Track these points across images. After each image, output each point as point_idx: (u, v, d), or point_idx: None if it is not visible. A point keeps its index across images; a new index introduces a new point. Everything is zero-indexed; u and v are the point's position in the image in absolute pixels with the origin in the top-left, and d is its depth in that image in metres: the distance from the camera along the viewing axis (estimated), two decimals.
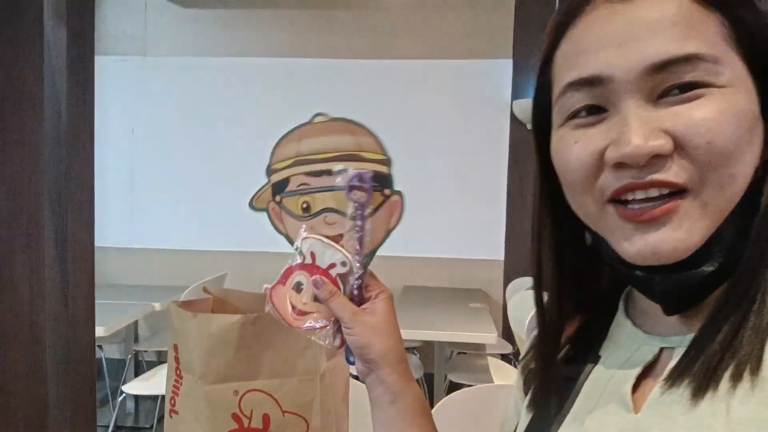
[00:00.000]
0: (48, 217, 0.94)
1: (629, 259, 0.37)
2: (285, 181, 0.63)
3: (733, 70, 0.35)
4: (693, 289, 0.37)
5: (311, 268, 0.60)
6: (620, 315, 0.46)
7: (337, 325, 0.59)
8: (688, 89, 0.35)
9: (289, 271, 0.62)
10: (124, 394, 2.48)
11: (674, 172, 0.35)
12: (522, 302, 2.71)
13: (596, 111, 0.38)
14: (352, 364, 0.62)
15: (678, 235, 0.35)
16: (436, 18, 3.49)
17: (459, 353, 2.92)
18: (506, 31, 3.31)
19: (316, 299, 0.60)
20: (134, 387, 2.32)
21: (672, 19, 0.35)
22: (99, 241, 3.63)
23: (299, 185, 0.62)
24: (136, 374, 2.81)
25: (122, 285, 3.34)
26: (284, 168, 0.63)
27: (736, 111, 0.34)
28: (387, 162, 0.63)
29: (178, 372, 0.86)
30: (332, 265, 0.60)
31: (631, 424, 0.38)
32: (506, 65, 3.39)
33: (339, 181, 0.60)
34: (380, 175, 0.62)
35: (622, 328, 0.45)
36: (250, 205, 0.66)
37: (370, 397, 0.59)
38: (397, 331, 0.58)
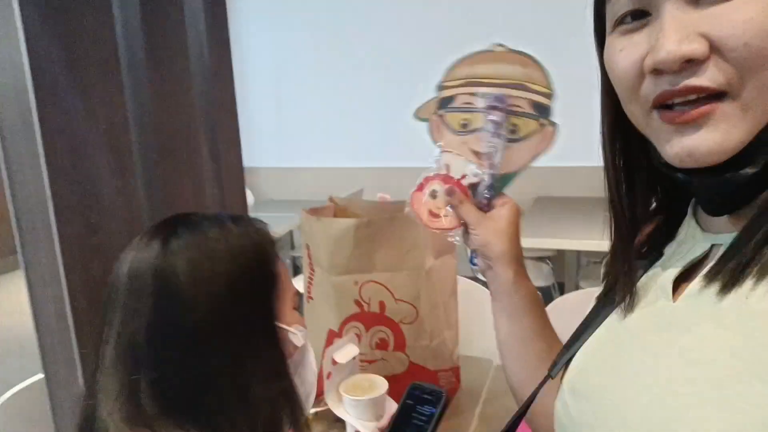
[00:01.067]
0: (203, 142, 1.14)
1: (669, 161, 0.38)
2: (451, 98, 0.71)
3: None
4: (733, 192, 0.37)
5: (445, 178, 0.70)
6: (688, 215, 0.47)
7: (464, 227, 0.68)
8: None
9: (426, 180, 0.71)
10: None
11: (709, 77, 0.34)
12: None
13: (641, 16, 0.37)
14: (475, 265, 0.70)
15: (714, 137, 0.35)
16: None
17: (594, 262, 2.87)
18: None
19: (448, 205, 0.69)
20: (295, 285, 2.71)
21: None
22: (254, 162, 4.04)
23: (463, 103, 0.70)
24: (294, 275, 3.25)
25: (277, 201, 3.79)
26: (454, 86, 0.71)
27: None
28: (549, 95, 0.69)
29: (311, 266, 1.04)
30: (464, 176, 0.69)
31: (666, 311, 0.41)
32: None
33: (480, 102, 0.67)
34: (540, 106, 0.68)
35: (686, 227, 0.46)
36: (415, 114, 0.73)
37: (490, 290, 0.67)
38: (515, 235, 0.66)
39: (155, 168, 1.07)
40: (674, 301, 0.41)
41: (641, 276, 0.47)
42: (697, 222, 0.44)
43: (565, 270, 2.77)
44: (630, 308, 0.45)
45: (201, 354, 0.53)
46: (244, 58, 3.93)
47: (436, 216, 0.71)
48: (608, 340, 0.46)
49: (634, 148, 0.45)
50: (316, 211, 1.02)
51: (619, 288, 0.47)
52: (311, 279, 1.05)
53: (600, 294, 0.53)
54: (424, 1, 3.51)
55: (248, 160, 1.40)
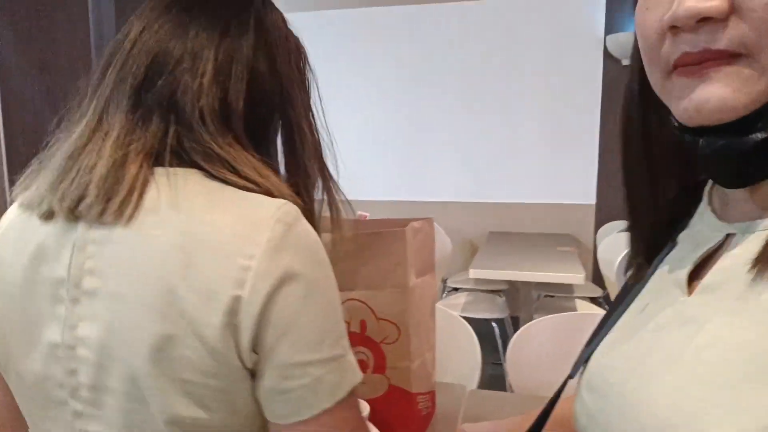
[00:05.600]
0: None
1: (680, 118, 0.37)
2: None
3: None
4: (741, 159, 0.36)
5: None
6: (703, 203, 0.46)
7: None
8: None
9: None
10: None
11: (728, 38, 0.33)
12: (613, 244, 2.65)
13: None
14: None
15: (724, 92, 0.34)
16: None
17: (546, 296, 2.94)
18: None
19: None
20: None
21: None
22: None
23: None
24: None
25: None
26: None
27: None
28: None
29: None
30: None
31: (681, 306, 0.40)
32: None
33: None
34: None
35: (701, 216, 0.45)
36: None
37: None
38: None
39: None
40: (690, 295, 0.40)
41: (657, 265, 0.46)
42: (713, 210, 0.44)
43: (519, 303, 2.82)
44: (645, 302, 0.44)
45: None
46: None
47: None
48: (625, 337, 0.45)
49: (654, 123, 0.45)
50: None
51: (636, 286, 0.47)
52: None
53: (627, 279, 0.52)
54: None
55: None
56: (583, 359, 0.49)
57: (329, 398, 0.49)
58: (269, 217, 0.49)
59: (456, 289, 3.12)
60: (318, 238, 0.53)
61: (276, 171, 0.58)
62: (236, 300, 0.46)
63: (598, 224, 3.28)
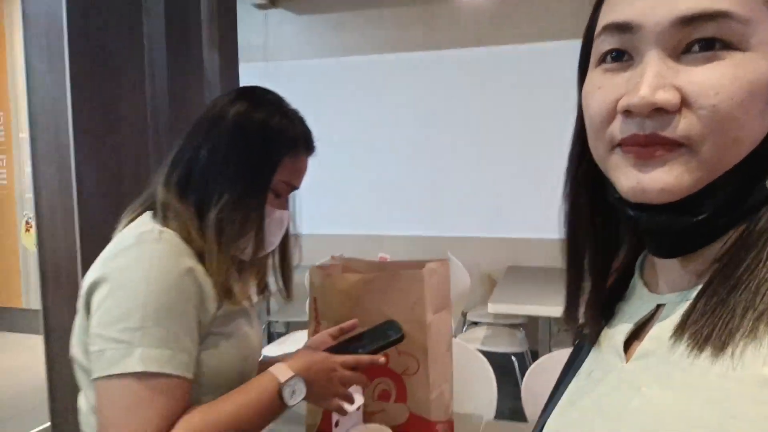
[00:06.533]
0: None
1: (624, 193, 0.39)
2: None
3: (765, 34, 0.35)
4: (679, 234, 0.39)
5: None
6: (636, 275, 0.49)
7: None
8: (710, 47, 0.35)
9: None
10: (263, 356, 2.89)
11: (675, 128, 0.36)
12: None
13: (624, 59, 0.39)
14: None
15: (667, 178, 0.36)
16: (527, 4, 3.50)
17: (564, 330, 2.98)
18: None
19: None
20: (272, 350, 2.71)
21: None
22: None
23: None
24: (269, 341, 3.23)
25: None
26: None
27: (753, 79, 0.35)
28: None
29: (316, 319, 1.10)
30: None
31: (620, 372, 0.43)
32: None
33: None
34: None
35: (634, 287, 0.48)
36: None
37: None
38: None
39: None
40: (627, 362, 0.43)
41: (596, 336, 0.49)
42: (645, 283, 0.46)
43: (537, 336, 2.86)
44: (589, 371, 0.48)
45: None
46: None
47: None
48: (574, 403, 0.48)
49: (597, 191, 0.46)
50: (324, 268, 1.10)
51: (580, 354, 0.50)
52: (316, 332, 1.11)
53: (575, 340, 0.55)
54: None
55: None
56: (540, 426, 0.51)
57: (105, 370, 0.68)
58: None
59: (476, 323, 3.17)
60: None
61: None
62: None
63: None
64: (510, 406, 2.24)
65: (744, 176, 0.37)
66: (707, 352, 0.35)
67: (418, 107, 3.74)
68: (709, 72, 0.35)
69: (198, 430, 0.70)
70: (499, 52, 3.58)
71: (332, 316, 1.05)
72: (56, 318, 0.98)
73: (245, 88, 0.90)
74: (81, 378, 0.79)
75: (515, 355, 2.74)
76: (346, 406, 0.97)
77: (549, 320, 2.81)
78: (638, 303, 0.45)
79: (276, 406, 0.79)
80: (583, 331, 0.51)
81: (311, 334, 1.12)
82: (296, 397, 0.81)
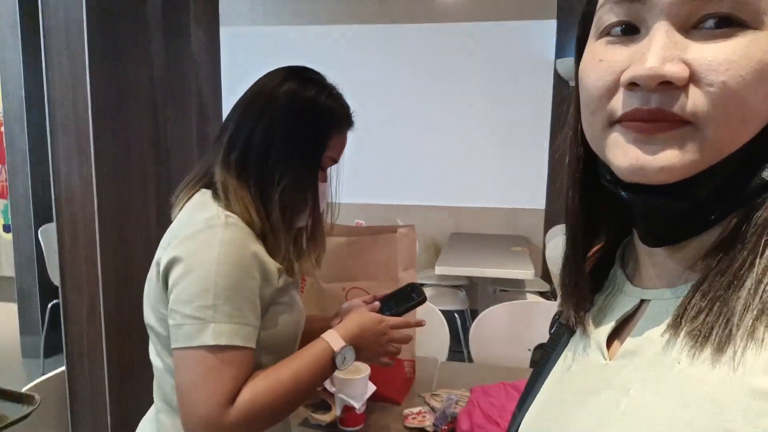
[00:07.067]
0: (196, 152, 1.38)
1: (619, 173, 0.37)
2: None
3: None
4: (674, 219, 0.37)
5: None
6: (616, 265, 0.46)
7: None
8: (722, 24, 0.33)
9: None
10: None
11: (681, 104, 0.33)
12: (559, 245, 3.04)
13: (630, 32, 0.36)
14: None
15: (669, 156, 0.34)
16: None
17: (501, 290, 3.30)
18: None
19: None
20: None
21: None
22: None
23: None
24: None
25: None
26: None
27: (765, 59, 0.33)
28: None
29: (302, 276, 1.28)
30: None
31: (603, 370, 0.40)
32: (550, 25, 3.59)
33: None
34: None
35: (614, 279, 0.46)
36: None
37: None
38: None
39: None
40: (610, 359, 0.41)
41: (574, 327, 0.46)
42: (626, 275, 0.44)
43: (477, 296, 3.16)
44: (568, 365, 0.45)
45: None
46: None
47: None
48: (553, 400, 0.45)
49: (589, 170, 0.44)
50: None
51: (557, 345, 0.48)
52: (302, 286, 1.29)
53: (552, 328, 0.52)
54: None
55: None
56: (517, 425, 0.49)
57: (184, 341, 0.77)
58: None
59: (423, 285, 3.43)
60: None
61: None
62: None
63: (547, 227, 3.68)
64: (455, 352, 2.53)
65: (742, 163, 0.35)
66: (707, 353, 0.33)
67: (371, 78, 3.88)
68: (720, 48, 0.33)
69: (261, 394, 0.78)
70: (456, 29, 3.75)
71: (318, 271, 1.23)
72: (73, 269, 1.10)
73: (291, 67, 0.93)
74: (155, 341, 0.86)
75: (457, 312, 3.03)
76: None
77: (487, 281, 3.11)
78: (620, 296, 0.43)
79: (328, 370, 0.87)
80: (560, 319, 0.49)
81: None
82: (347, 363, 0.88)
